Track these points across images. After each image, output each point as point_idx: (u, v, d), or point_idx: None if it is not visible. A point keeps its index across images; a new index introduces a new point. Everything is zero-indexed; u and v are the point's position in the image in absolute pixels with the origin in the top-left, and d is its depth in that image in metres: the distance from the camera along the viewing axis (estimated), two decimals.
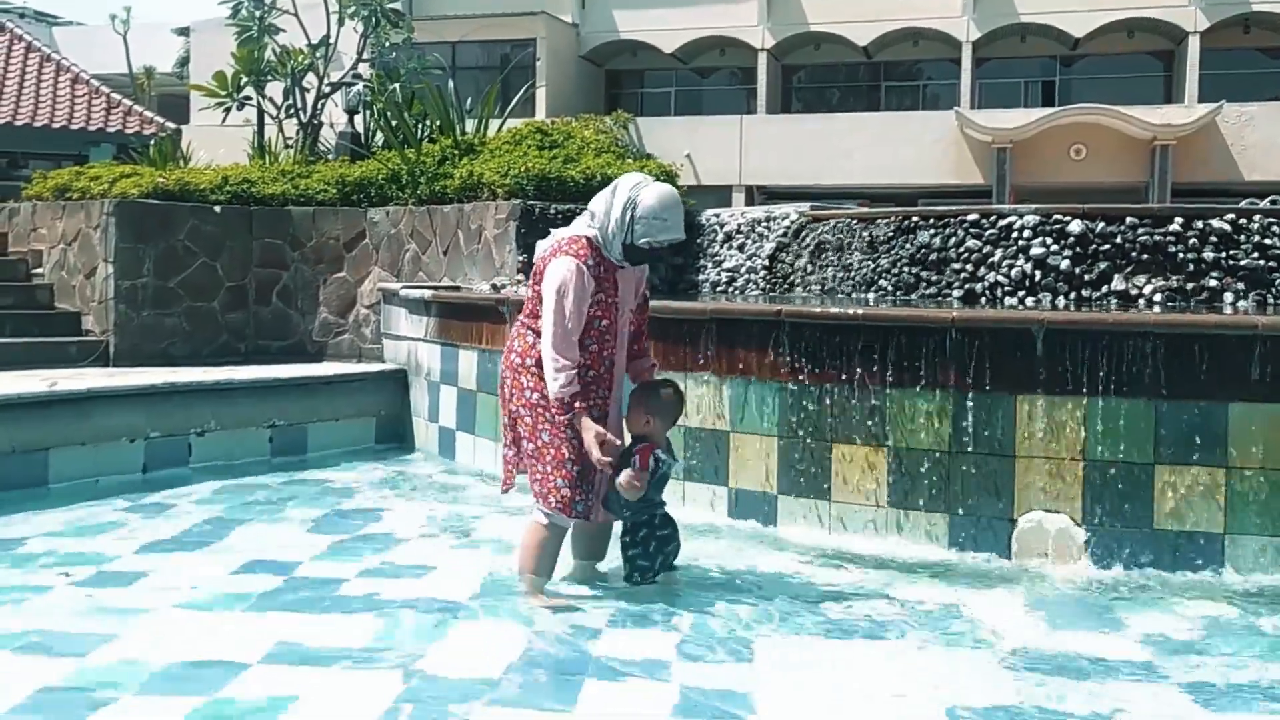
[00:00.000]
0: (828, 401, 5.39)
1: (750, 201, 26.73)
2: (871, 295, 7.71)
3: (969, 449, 5.13)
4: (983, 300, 7.22)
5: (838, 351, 5.36)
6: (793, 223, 8.77)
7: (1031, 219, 7.26)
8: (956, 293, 7.33)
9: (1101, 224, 7.10)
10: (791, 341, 5.46)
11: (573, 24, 30.64)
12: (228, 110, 13.00)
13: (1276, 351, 4.79)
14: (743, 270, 8.94)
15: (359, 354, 9.78)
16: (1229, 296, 6.82)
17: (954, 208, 7.84)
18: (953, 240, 7.46)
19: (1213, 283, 6.88)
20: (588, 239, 4.39)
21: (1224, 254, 6.91)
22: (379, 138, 12.41)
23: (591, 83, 31.82)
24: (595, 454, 4.28)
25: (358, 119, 12.75)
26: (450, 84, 13.53)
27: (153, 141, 15.55)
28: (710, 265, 9.16)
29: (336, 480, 7.13)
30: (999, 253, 7.29)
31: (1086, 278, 7.06)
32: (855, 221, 8.23)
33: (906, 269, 7.60)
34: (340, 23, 13.00)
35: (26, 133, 23.72)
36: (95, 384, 7.22)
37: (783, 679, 3.74)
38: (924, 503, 5.23)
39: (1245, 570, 4.85)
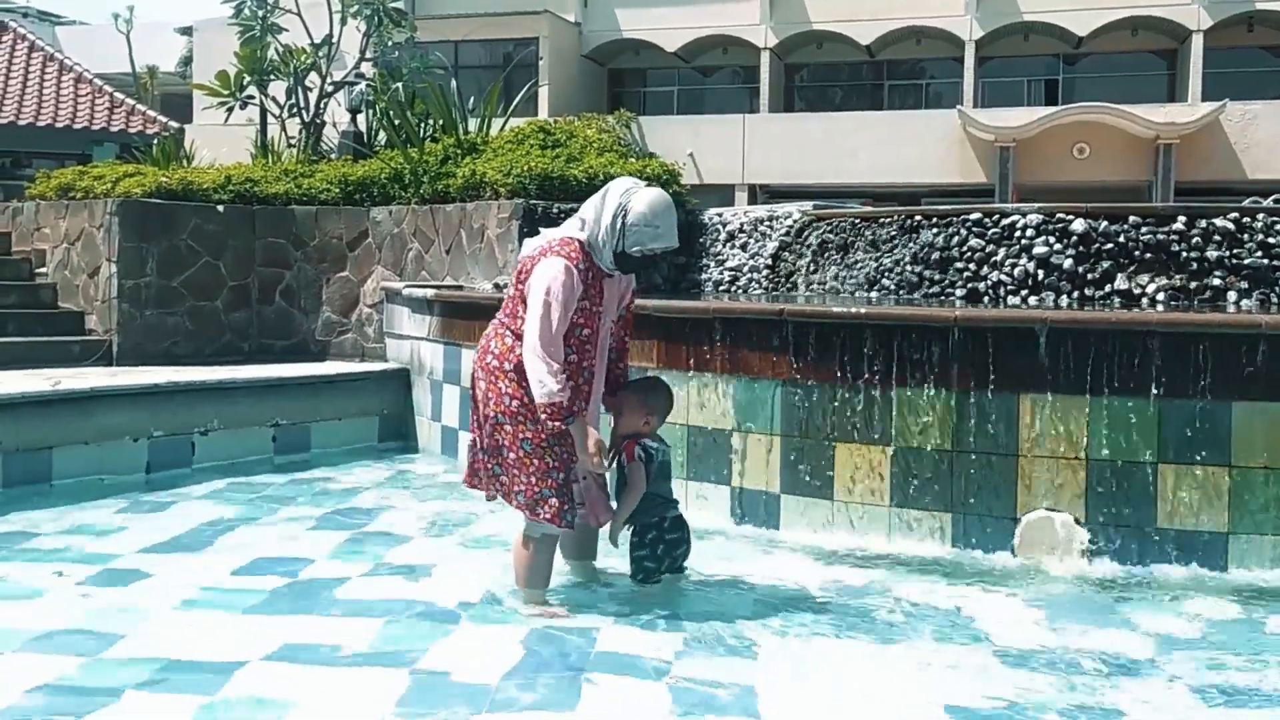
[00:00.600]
0: (831, 400, 5.39)
1: (753, 200, 26.73)
2: (874, 294, 7.70)
3: (972, 448, 5.13)
4: (986, 299, 7.21)
5: (841, 351, 5.35)
6: (795, 222, 8.77)
7: (1035, 218, 7.25)
8: (959, 292, 7.33)
9: (1105, 223, 7.09)
10: (794, 341, 5.46)
11: (575, 23, 30.64)
12: (230, 109, 13.01)
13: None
14: (746, 269, 8.94)
15: (362, 353, 9.79)
16: (1232, 295, 6.80)
17: (957, 207, 7.83)
18: (956, 239, 7.45)
19: (1216, 282, 6.87)
20: (580, 242, 4.26)
21: (1227, 253, 6.90)
22: (382, 137, 12.41)
23: (594, 82, 31.82)
24: (593, 462, 4.22)
25: (360, 118, 12.77)
26: (453, 83, 13.55)
27: (156, 141, 15.56)
28: (713, 264, 9.16)
29: (339, 479, 7.13)
30: (1002, 252, 7.28)
31: (1090, 277, 7.05)
32: (858, 220, 8.23)
33: (909, 268, 7.59)
34: (343, 22, 13.00)
35: (30, 132, 23.77)
36: (98, 383, 7.23)
37: (785, 678, 3.74)
38: (927, 501, 5.23)
39: (1248, 569, 4.85)
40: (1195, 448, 4.86)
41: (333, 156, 12.03)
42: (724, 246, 9.15)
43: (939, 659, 3.94)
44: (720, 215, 9.42)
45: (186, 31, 36.56)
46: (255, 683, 3.64)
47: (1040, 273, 7.12)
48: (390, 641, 4.06)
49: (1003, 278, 7.22)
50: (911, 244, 7.64)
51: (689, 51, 30.93)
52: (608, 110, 28.16)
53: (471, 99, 13.81)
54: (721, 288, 9.00)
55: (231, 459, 7.38)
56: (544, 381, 4.08)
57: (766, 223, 8.95)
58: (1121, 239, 7.03)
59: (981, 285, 7.29)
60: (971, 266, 7.35)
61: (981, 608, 4.50)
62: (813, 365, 5.42)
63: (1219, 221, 6.96)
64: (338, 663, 3.83)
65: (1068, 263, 7.07)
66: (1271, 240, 6.88)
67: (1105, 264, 7.02)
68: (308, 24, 12.80)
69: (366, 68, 13.33)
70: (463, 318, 7.43)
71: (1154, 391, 4.88)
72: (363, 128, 12.67)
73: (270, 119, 13.19)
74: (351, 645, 4.00)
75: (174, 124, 25.13)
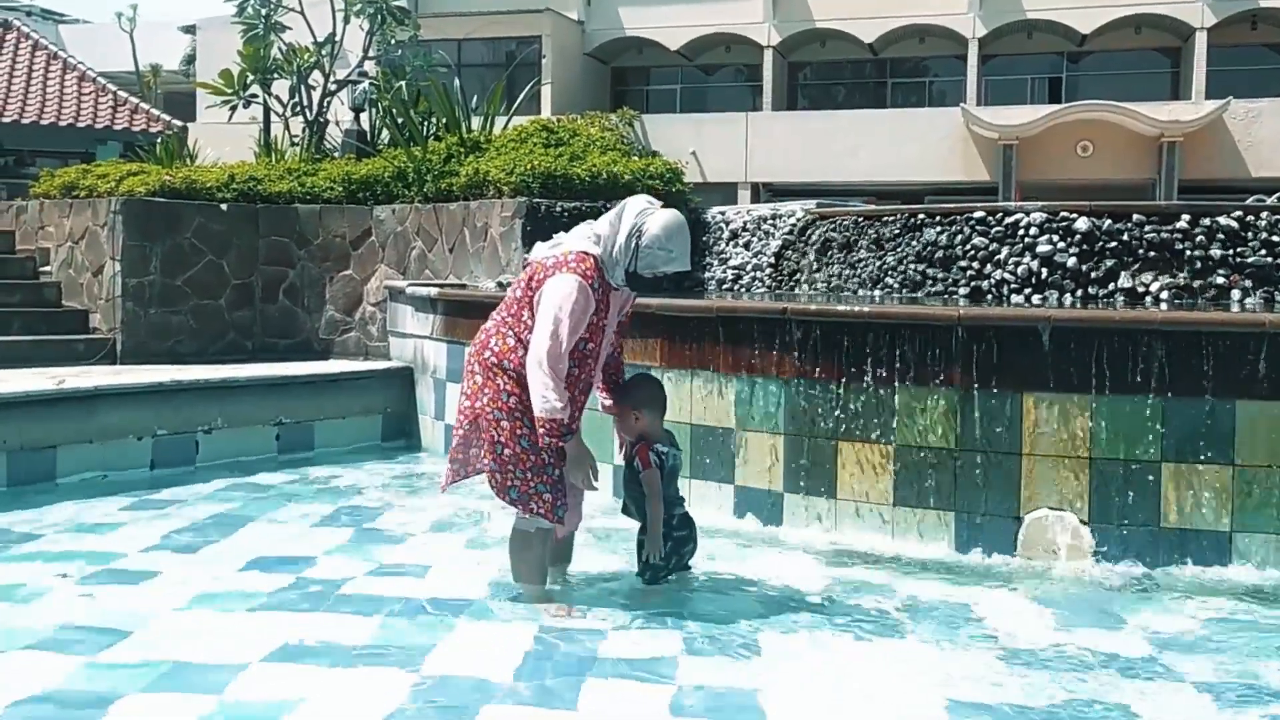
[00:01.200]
0: (834, 399, 5.39)
1: (756, 199, 26.72)
2: (878, 293, 7.70)
3: (975, 447, 5.13)
4: (989, 298, 7.21)
5: (844, 349, 5.35)
6: (799, 220, 8.77)
7: (1038, 216, 7.25)
8: (963, 290, 7.32)
9: (1108, 221, 7.09)
10: (797, 339, 5.46)
11: (578, 21, 30.63)
12: (234, 108, 13.02)
13: None
14: (749, 268, 8.94)
15: (365, 352, 9.79)
16: (1236, 294, 6.80)
17: (960, 205, 7.83)
18: (959, 238, 7.45)
19: (1220, 280, 6.87)
20: (595, 258, 4.26)
21: (1231, 251, 6.89)
22: (385, 135, 12.41)
23: (597, 80, 31.81)
24: (580, 479, 4.34)
25: (364, 117, 12.76)
26: (456, 81, 13.56)
27: (159, 139, 15.56)
28: (716, 263, 9.16)
29: (343, 478, 7.14)
30: (1005, 250, 7.28)
31: (1093, 275, 7.04)
32: (861, 219, 8.23)
33: (913, 266, 7.59)
34: (346, 20, 13.00)
35: (34, 130, 23.78)
36: (102, 382, 7.24)
37: (789, 678, 3.74)
38: (930, 501, 5.22)
39: (1252, 568, 4.85)
40: (1199, 447, 4.86)
41: (336, 155, 12.03)
42: (727, 245, 9.15)
43: (943, 658, 3.94)
44: (723, 214, 9.42)
45: (190, 30, 36.57)
46: (259, 682, 3.65)
47: (1044, 271, 7.12)
48: (394, 640, 4.06)
49: (1006, 276, 7.22)
50: (915, 242, 7.64)
51: (692, 49, 30.91)
52: (611, 108, 28.17)
53: (475, 97, 13.80)
54: (724, 286, 9.00)
55: (235, 457, 7.39)
56: (547, 397, 4.12)
57: (769, 221, 8.94)
58: (1125, 237, 7.03)
59: (985, 284, 7.29)
60: (975, 265, 7.35)
61: (985, 607, 4.49)
62: (816, 364, 5.42)
63: (1223, 220, 6.96)
64: (342, 661, 3.83)
65: (1071, 261, 7.07)
66: (1275, 239, 6.88)
67: (1109, 262, 7.02)
68: (311, 22, 12.80)
69: (370, 66, 13.33)
70: (466, 316, 7.43)
71: (1157, 390, 4.88)
72: (366, 126, 12.66)
73: (274, 117, 13.20)
74: (355, 644, 4.00)
75: (177, 123, 25.12)
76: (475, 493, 6.60)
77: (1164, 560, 4.91)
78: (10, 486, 6.41)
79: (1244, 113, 24.67)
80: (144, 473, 7.00)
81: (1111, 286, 6.99)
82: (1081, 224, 7.09)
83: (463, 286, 8.46)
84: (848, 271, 8.03)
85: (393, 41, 13.47)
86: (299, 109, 12.75)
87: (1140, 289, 6.93)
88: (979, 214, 7.47)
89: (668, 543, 4.56)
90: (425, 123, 11.81)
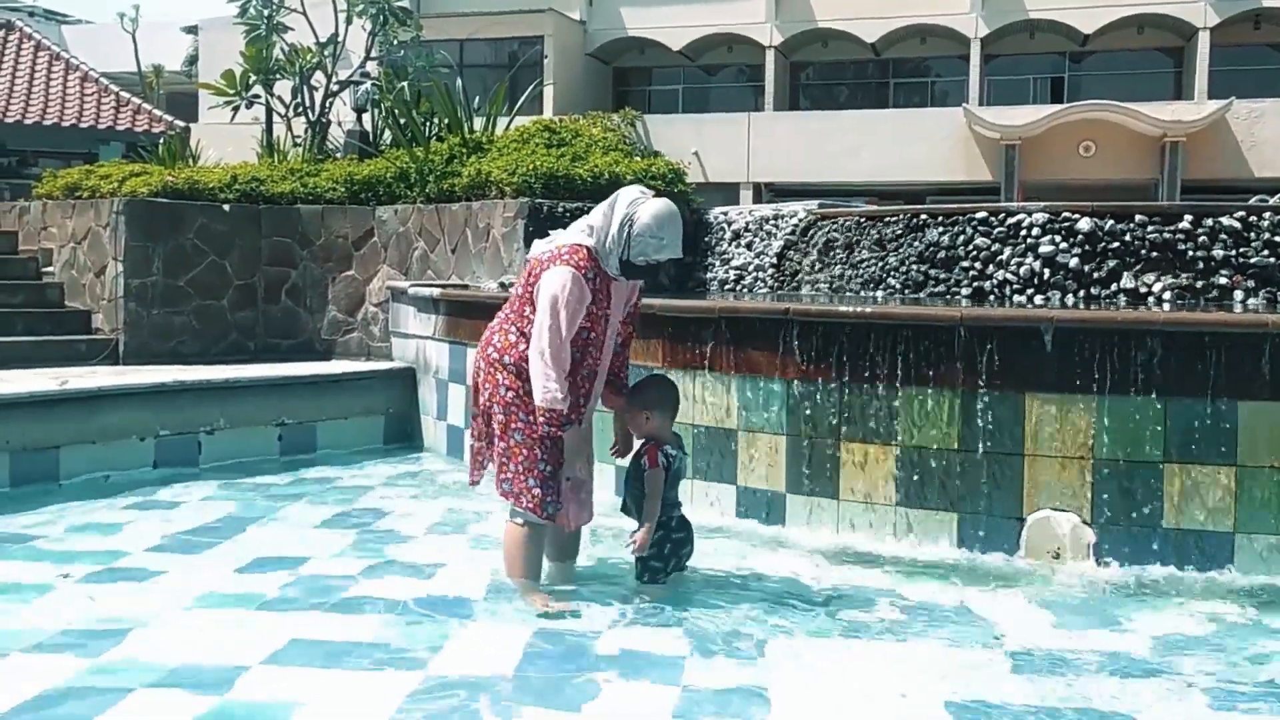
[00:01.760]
0: (836, 400, 5.39)
1: (758, 199, 26.73)
2: (880, 293, 7.70)
3: (977, 447, 5.12)
4: (991, 298, 7.20)
5: (846, 350, 5.35)
6: (801, 220, 8.76)
7: (1040, 216, 7.25)
8: (965, 291, 7.32)
9: (1111, 221, 7.08)
10: (799, 340, 5.46)
11: (580, 21, 30.64)
12: (236, 109, 13.02)
13: None
14: (751, 268, 8.93)
15: (367, 352, 9.80)
16: (1239, 294, 6.79)
17: (962, 205, 7.83)
18: (961, 238, 7.44)
19: (1223, 281, 6.86)
20: (588, 249, 4.32)
21: (1234, 252, 6.89)
22: (387, 136, 12.41)
23: (599, 80, 31.82)
24: (577, 470, 4.40)
25: (366, 117, 12.77)
26: (458, 82, 13.54)
27: (162, 140, 15.58)
28: (718, 263, 9.16)
29: (345, 478, 7.15)
30: (1008, 250, 7.28)
31: (1095, 276, 7.04)
32: (863, 219, 8.22)
33: (915, 267, 7.59)
34: (348, 21, 13.01)
35: (36, 131, 23.80)
36: (105, 382, 7.24)
37: (790, 677, 3.74)
38: (932, 501, 5.22)
39: (1254, 569, 4.84)
40: (1201, 447, 4.85)
41: (338, 156, 12.04)
42: (729, 245, 9.15)
43: (945, 659, 3.94)
44: (725, 214, 9.42)
45: (192, 31, 36.61)
46: (261, 683, 3.65)
47: (1046, 272, 7.12)
48: (396, 640, 4.06)
49: (1008, 277, 7.22)
50: (917, 243, 7.64)
51: (694, 50, 30.91)
52: (613, 109, 28.19)
53: (477, 98, 13.81)
54: (727, 286, 9.00)
55: (237, 458, 7.40)
56: (548, 387, 4.19)
57: (772, 221, 8.94)
58: (1127, 238, 7.02)
59: (987, 284, 7.29)
60: (977, 265, 7.35)
61: (987, 608, 4.49)
62: (818, 364, 5.42)
63: (1225, 220, 6.95)
64: (344, 662, 3.84)
65: (1073, 262, 7.07)
66: (1278, 239, 6.87)
67: (1111, 263, 7.01)
68: (313, 23, 12.81)
69: (372, 67, 13.34)
70: (468, 317, 7.44)
71: (1160, 391, 4.87)
72: (368, 127, 12.67)
73: (276, 118, 13.21)
74: (358, 644, 4.00)
75: (180, 123, 25.13)
76: (476, 493, 6.61)
77: (1166, 561, 4.90)
78: (13, 487, 6.41)
79: (1247, 113, 24.65)
80: (147, 473, 7.01)
81: (1114, 287, 6.98)
82: (1084, 224, 7.09)
83: (465, 287, 8.46)
84: (850, 272, 8.03)
85: (395, 42, 13.48)
86: (301, 109, 12.75)
87: (1143, 290, 6.92)
88: (981, 214, 7.47)
89: (666, 544, 4.56)
90: (427, 123, 11.81)
